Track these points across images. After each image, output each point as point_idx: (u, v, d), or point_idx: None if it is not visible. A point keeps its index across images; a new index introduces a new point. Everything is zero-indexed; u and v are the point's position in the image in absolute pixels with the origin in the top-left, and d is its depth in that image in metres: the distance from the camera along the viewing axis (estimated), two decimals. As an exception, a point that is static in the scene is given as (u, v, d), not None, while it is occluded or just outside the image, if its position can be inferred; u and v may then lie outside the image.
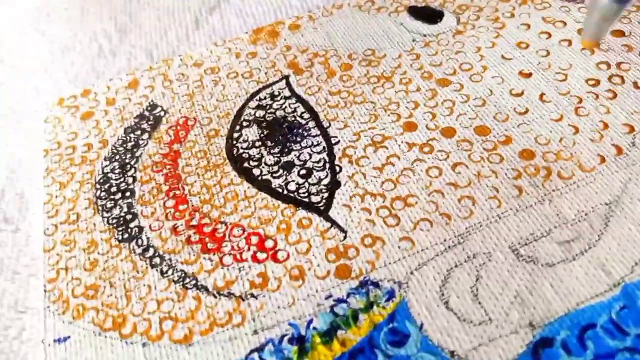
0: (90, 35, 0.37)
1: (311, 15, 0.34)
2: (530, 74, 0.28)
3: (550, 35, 0.30)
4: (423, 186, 0.24)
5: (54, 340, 0.22)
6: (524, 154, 0.25)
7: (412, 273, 0.22)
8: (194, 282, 0.23)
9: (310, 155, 0.26)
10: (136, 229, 0.25)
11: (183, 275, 0.23)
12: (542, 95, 0.27)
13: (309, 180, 0.25)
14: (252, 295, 0.22)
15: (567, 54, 0.28)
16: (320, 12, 0.34)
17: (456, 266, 0.22)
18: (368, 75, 0.29)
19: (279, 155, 0.27)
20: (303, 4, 0.36)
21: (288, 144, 0.27)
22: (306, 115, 0.28)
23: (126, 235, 0.25)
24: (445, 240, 0.22)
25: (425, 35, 0.31)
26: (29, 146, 0.31)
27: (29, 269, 0.26)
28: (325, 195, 0.25)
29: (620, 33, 0.29)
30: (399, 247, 0.22)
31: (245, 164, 0.27)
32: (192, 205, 0.25)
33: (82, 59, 0.35)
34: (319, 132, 0.27)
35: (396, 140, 0.26)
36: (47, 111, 0.32)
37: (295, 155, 0.26)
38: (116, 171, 0.27)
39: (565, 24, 0.30)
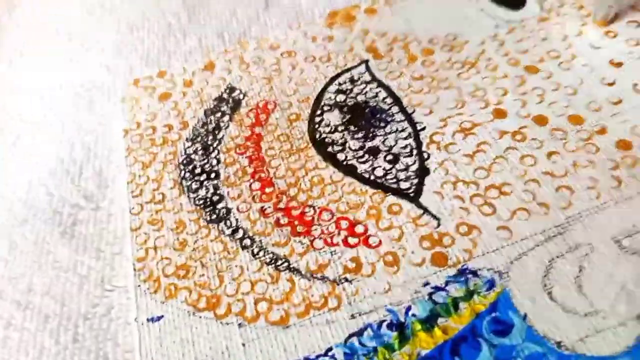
0: (158, 13, 0.37)
1: (387, -1, 0.33)
2: (621, 64, 0.27)
3: (639, 24, 0.29)
4: (518, 175, 0.24)
5: (148, 320, 0.22)
6: (620, 145, 0.24)
7: (512, 263, 0.21)
8: (286, 264, 0.23)
9: (396, 141, 0.26)
10: (224, 210, 0.25)
11: (275, 257, 0.23)
12: (635, 85, 0.26)
13: (397, 166, 0.25)
14: (347, 280, 0.22)
15: (659, 43, 0.28)
16: (396, -4, 0.33)
17: (558, 257, 0.21)
18: (451, 60, 0.29)
19: (363, 140, 0.26)
20: (375, -13, 0.35)
21: (372, 129, 0.27)
22: (389, 100, 0.28)
23: (214, 216, 0.25)
24: (544, 230, 0.22)
25: (508, 21, 0.30)
26: (105, 125, 0.31)
27: (112, 247, 0.26)
28: (415, 181, 0.24)
29: None
30: (496, 237, 0.22)
31: (329, 149, 0.26)
32: (279, 188, 0.25)
33: (153, 37, 0.35)
34: (403, 118, 0.27)
35: (486, 127, 0.26)
36: (123, 91, 0.32)
37: (380, 140, 0.26)
38: (199, 153, 0.27)
39: (654, 12, 0.29)
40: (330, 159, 0.26)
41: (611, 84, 0.26)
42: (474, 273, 0.21)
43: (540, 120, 0.25)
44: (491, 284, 0.21)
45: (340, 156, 0.26)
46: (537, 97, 0.26)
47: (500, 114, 0.26)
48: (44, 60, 0.37)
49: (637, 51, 0.27)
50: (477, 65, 0.28)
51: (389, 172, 0.25)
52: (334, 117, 0.28)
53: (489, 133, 0.25)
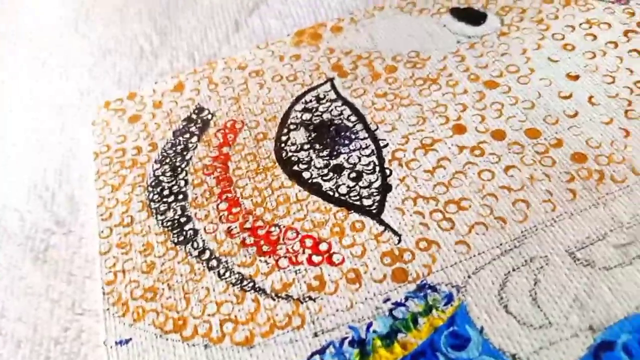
0: (131, 37, 0.38)
1: (353, 17, 0.34)
2: (577, 77, 0.28)
3: (595, 37, 0.29)
4: (476, 189, 0.24)
5: (116, 343, 0.23)
6: (575, 157, 0.25)
7: (469, 277, 0.22)
8: (251, 284, 0.23)
9: (360, 158, 0.27)
10: (191, 231, 0.25)
11: (241, 277, 0.23)
12: (590, 97, 0.27)
13: (360, 183, 0.26)
14: (310, 298, 0.22)
15: (613, 56, 0.28)
16: (361, 14, 0.34)
17: (514, 270, 0.22)
18: (414, 77, 0.29)
19: (327, 158, 0.27)
20: (342, 5, 0.36)
21: (336, 147, 0.27)
22: (353, 118, 0.28)
23: (182, 238, 0.25)
24: (501, 244, 0.23)
25: (469, 37, 0.31)
26: (77, 149, 0.31)
27: (83, 271, 0.26)
28: (377, 198, 0.25)
29: (666, 33, 0.29)
30: (455, 251, 0.23)
31: (295, 167, 0.27)
32: (245, 208, 0.26)
33: (125, 61, 0.36)
34: (366, 135, 0.27)
35: (446, 143, 0.26)
36: (94, 114, 0.32)
37: (344, 158, 0.27)
38: (167, 174, 0.28)
39: (610, 25, 0.30)
40: (296, 177, 0.27)
41: (568, 97, 0.27)
42: (433, 288, 0.22)
43: (498, 135, 0.26)
44: (449, 299, 0.21)
45: (306, 174, 0.27)
46: (495, 112, 0.27)
47: (459, 129, 0.27)
48: (19, 85, 0.37)
49: (593, 64, 0.28)
50: (439, 81, 0.29)
51: (352, 189, 0.26)
52: (299, 136, 0.28)
53: (449, 149, 0.26)
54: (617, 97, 0.27)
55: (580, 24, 0.30)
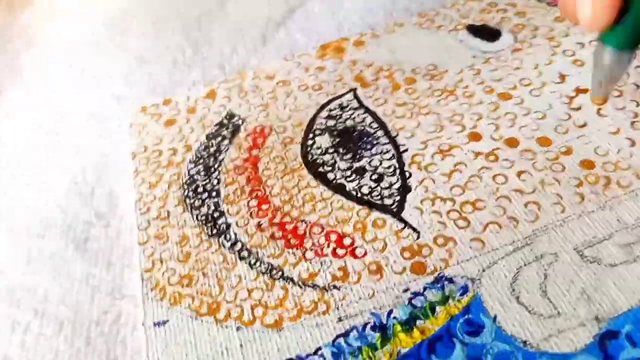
0: (165, 48, 0.40)
1: (374, 32, 0.36)
2: (587, 90, 0.30)
3: (604, 54, 0.31)
4: (490, 192, 0.26)
5: (154, 324, 0.25)
6: (584, 164, 0.26)
7: (483, 271, 0.24)
8: (280, 273, 0.25)
9: (381, 162, 0.28)
10: (224, 225, 0.27)
11: (270, 267, 0.25)
12: (599, 109, 0.29)
13: (381, 184, 0.28)
14: (335, 287, 0.24)
15: (621, 72, 0.30)
16: (382, 29, 0.36)
17: (525, 265, 0.23)
18: (432, 88, 0.32)
19: (351, 161, 0.29)
20: (364, 21, 0.38)
21: (359, 151, 0.29)
22: (374, 125, 0.30)
23: (215, 231, 0.27)
24: (513, 241, 0.24)
25: (485, 52, 0.33)
26: (115, 149, 0.34)
27: (122, 260, 0.28)
28: (397, 198, 0.27)
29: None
30: (470, 247, 0.24)
31: (320, 169, 0.29)
32: (274, 205, 0.28)
33: (159, 70, 0.38)
34: (387, 141, 0.29)
35: (462, 149, 0.28)
36: (132, 117, 0.34)
37: (366, 161, 0.29)
38: (201, 173, 0.30)
39: (618, 43, 0.32)
40: (321, 178, 0.29)
41: (577, 109, 0.29)
42: (450, 280, 0.24)
43: (512, 143, 0.28)
44: (465, 290, 0.23)
45: (330, 176, 0.29)
46: (509, 122, 0.29)
47: (475, 137, 0.28)
48: (60, 92, 0.39)
49: (601, 79, 0.30)
50: (455, 92, 0.31)
51: (374, 189, 0.27)
52: (324, 141, 0.30)
53: (465, 154, 0.28)
54: (624, 110, 0.28)
55: (590, 42, 0.32)
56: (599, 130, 0.28)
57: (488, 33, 0.34)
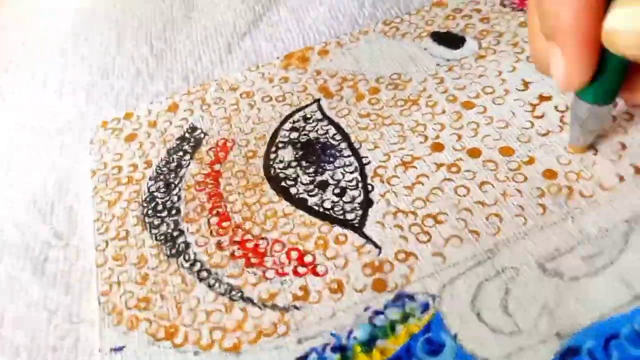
0: (128, 59, 0.39)
1: (339, 41, 0.36)
2: (550, 97, 0.29)
3: (568, 60, 0.31)
4: (452, 204, 0.26)
5: (111, 350, 0.24)
6: (546, 174, 0.26)
7: (444, 287, 0.23)
8: (239, 294, 0.24)
9: (344, 175, 0.28)
10: (183, 244, 0.27)
11: (230, 288, 0.25)
12: (562, 117, 0.28)
13: (343, 198, 0.27)
14: (295, 307, 0.24)
15: (584, 78, 0.30)
16: (347, 38, 0.36)
17: (486, 280, 0.23)
18: (395, 98, 0.31)
19: (313, 175, 0.28)
20: (330, 29, 0.37)
21: (322, 164, 0.29)
22: (338, 137, 0.30)
23: (174, 251, 0.27)
24: (475, 255, 0.24)
25: (448, 60, 0.33)
26: (75, 166, 0.33)
27: (80, 282, 0.28)
28: (359, 212, 0.26)
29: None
30: (431, 263, 0.24)
31: (283, 184, 0.28)
32: (235, 222, 0.27)
33: (122, 83, 0.37)
34: (350, 153, 0.29)
35: (425, 161, 0.28)
36: (92, 133, 0.34)
37: (329, 174, 0.28)
38: (161, 190, 0.29)
39: (582, 48, 0.32)
40: (283, 193, 0.28)
41: (540, 117, 0.29)
42: (410, 297, 0.23)
43: (474, 153, 0.28)
44: (425, 307, 0.23)
45: (293, 190, 0.28)
46: (471, 131, 0.28)
47: (437, 147, 0.28)
48: (21, 105, 0.39)
49: (565, 85, 0.30)
50: (419, 102, 0.31)
51: (336, 204, 0.27)
52: (287, 154, 0.30)
53: (427, 166, 0.27)
54: (586, 117, 0.28)
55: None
56: (561, 138, 0.27)
57: (452, 40, 0.33)
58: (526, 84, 0.30)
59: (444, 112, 0.30)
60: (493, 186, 0.26)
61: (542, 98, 0.29)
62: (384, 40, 0.35)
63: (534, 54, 0.25)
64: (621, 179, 0.25)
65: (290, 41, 0.38)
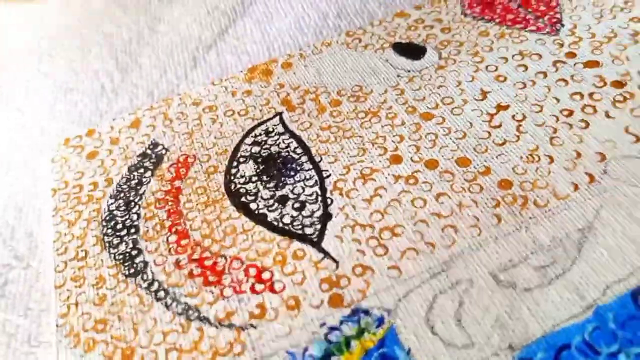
0: (92, 74, 0.39)
1: (302, 53, 0.36)
2: (508, 106, 0.30)
3: (526, 68, 0.31)
4: (409, 216, 0.26)
5: (67, 373, 0.24)
6: (502, 184, 0.26)
7: (399, 300, 0.23)
8: (197, 314, 0.24)
9: (304, 189, 0.28)
10: (141, 263, 0.27)
11: (187, 307, 0.25)
12: (519, 126, 0.28)
13: (303, 212, 0.27)
14: (252, 326, 0.24)
15: (542, 86, 0.30)
16: (310, 49, 0.36)
17: (441, 293, 0.23)
18: (356, 110, 0.31)
19: (274, 189, 0.28)
20: (295, 41, 0.38)
21: (282, 178, 0.29)
22: (299, 150, 0.30)
23: (132, 270, 0.26)
24: (430, 268, 0.24)
25: (409, 71, 0.33)
26: (36, 185, 0.33)
27: (39, 304, 0.27)
28: (318, 227, 0.26)
29: (594, 64, 0.31)
30: (387, 276, 0.24)
31: (243, 199, 0.28)
32: (194, 240, 0.27)
33: (86, 99, 0.37)
34: (311, 166, 0.29)
35: (383, 173, 0.28)
36: (54, 151, 0.33)
37: (289, 189, 0.28)
38: (121, 208, 0.29)
39: (540, 56, 0.32)
40: (244, 208, 0.28)
41: (497, 127, 0.29)
42: (366, 312, 0.23)
43: (431, 164, 0.28)
44: (380, 321, 0.23)
45: (253, 206, 0.28)
46: (429, 142, 0.29)
47: (396, 159, 0.28)
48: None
49: (522, 94, 0.30)
50: (379, 114, 0.31)
51: (295, 219, 0.27)
52: (248, 169, 0.30)
53: (386, 178, 0.28)
54: (543, 126, 0.28)
55: (513, 56, 0.32)
56: (517, 148, 0.28)
57: (413, 51, 0.34)
58: (484, 94, 0.30)
59: (403, 123, 0.30)
60: (449, 197, 0.26)
61: (500, 107, 0.30)
62: (347, 52, 0.35)
63: None
64: (576, 187, 0.26)
65: (255, 53, 0.38)
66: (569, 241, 0.24)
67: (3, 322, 0.27)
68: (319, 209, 0.27)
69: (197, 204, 0.29)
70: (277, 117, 0.32)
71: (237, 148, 0.31)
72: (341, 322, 0.23)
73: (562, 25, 0.33)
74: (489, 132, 0.28)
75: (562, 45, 0.32)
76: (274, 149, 0.30)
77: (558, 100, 0.29)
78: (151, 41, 0.41)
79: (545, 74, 0.31)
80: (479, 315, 0.22)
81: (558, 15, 0.34)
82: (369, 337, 0.22)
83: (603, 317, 0.21)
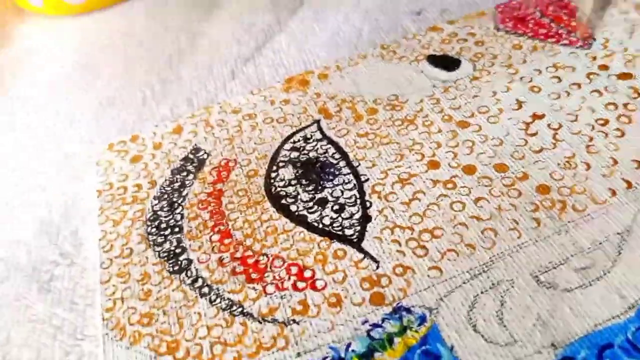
0: (135, 87, 0.40)
1: (338, 65, 0.37)
2: (543, 115, 0.30)
3: (560, 80, 0.32)
4: (448, 219, 0.26)
5: (114, 364, 0.24)
6: (540, 189, 0.27)
7: (441, 299, 0.24)
8: (240, 309, 0.25)
9: (343, 192, 0.29)
10: (185, 261, 0.27)
11: (230, 303, 0.25)
12: (555, 134, 0.29)
13: (342, 215, 0.28)
14: (294, 321, 0.24)
15: (577, 97, 0.31)
16: (346, 62, 0.37)
17: (482, 293, 0.23)
18: (393, 118, 0.32)
19: (313, 192, 0.29)
20: (330, 54, 0.39)
21: (321, 182, 0.30)
22: (337, 156, 0.31)
23: (176, 268, 0.27)
24: (470, 269, 0.24)
25: (444, 82, 0.33)
26: (82, 187, 0.34)
27: (84, 299, 0.28)
28: (358, 228, 0.27)
29: (627, 76, 0.31)
30: (428, 276, 0.24)
31: (283, 201, 0.29)
32: (236, 239, 0.28)
33: (128, 108, 0.39)
34: (349, 171, 0.30)
35: (421, 178, 0.28)
36: (99, 155, 0.35)
37: (328, 192, 0.29)
38: (165, 209, 0.30)
39: (574, 69, 0.33)
40: (283, 210, 0.29)
41: (534, 134, 0.29)
42: (408, 310, 0.24)
43: (469, 170, 0.28)
44: (422, 320, 0.23)
45: (293, 207, 0.29)
46: (467, 149, 0.29)
47: (434, 165, 0.29)
48: (32, 133, 0.40)
49: (557, 104, 0.31)
50: (415, 122, 0.31)
51: (335, 220, 0.28)
52: (287, 173, 0.30)
53: (424, 183, 0.28)
54: (579, 134, 0.29)
55: (547, 68, 0.33)
56: (554, 155, 0.28)
57: (448, 63, 0.34)
58: (520, 104, 0.31)
59: (440, 131, 0.31)
60: (488, 201, 0.27)
61: (536, 116, 0.30)
62: (382, 64, 0.36)
63: None
64: (613, 193, 0.26)
65: (292, 66, 0.39)
66: (608, 244, 0.24)
67: (50, 316, 0.28)
68: (358, 212, 0.28)
69: (238, 205, 0.29)
70: (315, 125, 0.33)
71: (276, 153, 0.32)
72: (383, 320, 0.23)
73: (594, 40, 0.34)
74: (525, 140, 0.29)
75: (595, 58, 0.33)
76: (312, 154, 0.31)
77: (593, 110, 0.30)
78: (191, 56, 0.43)
79: (579, 85, 0.31)
80: (521, 314, 0.23)
81: (590, 30, 0.35)
82: (412, 335, 0.23)
83: (646, 318, 0.22)
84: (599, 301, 0.22)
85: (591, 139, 0.28)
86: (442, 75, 0.34)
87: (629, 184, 0.26)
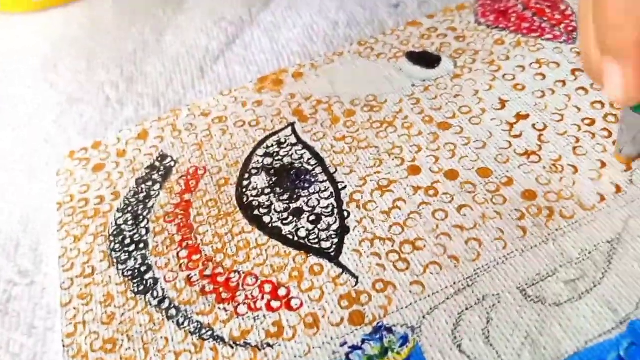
0: (98, 85, 0.38)
1: (313, 63, 0.35)
2: (527, 115, 0.29)
3: (545, 77, 0.31)
4: (430, 229, 0.25)
5: (74, 396, 0.23)
6: (526, 195, 0.25)
7: (424, 317, 0.22)
8: (210, 332, 0.23)
9: (319, 201, 0.27)
10: (151, 280, 0.25)
11: (199, 326, 0.23)
12: (540, 136, 0.28)
13: (319, 226, 0.26)
14: (269, 345, 0.22)
15: (562, 95, 0.29)
16: (322, 59, 0.35)
17: (467, 309, 0.22)
18: (371, 120, 0.30)
19: (288, 202, 0.27)
20: (304, 50, 0.37)
21: (296, 190, 0.28)
22: (313, 162, 0.29)
23: (142, 287, 0.25)
24: (454, 283, 0.23)
25: (424, 80, 0.32)
26: (42, 198, 0.32)
27: (45, 322, 0.26)
28: (335, 240, 0.25)
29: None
30: (410, 292, 0.23)
31: (256, 212, 0.27)
32: (205, 255, 0.26)
33: (91, 110, 0.36)
34: (326, 178, 0.28)
35: (401, 184, 0.27)
36: (59, 164, 0.32)
37: (303, 201, 0.27)
38: (129, 223, 0.28)
39: (558, 65, 0.31)
40: (256, 222, 0.27)
41: (518, 136, 0.28)
42: (389, 330, 0.22)
43: (452, 175, 0.27)
44: (405, 340, 0.22)
45: (266, 219, 0.27)
46: (448, 153, 0.28)
47: (414, 170, 0.27)
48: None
49: (542, 102, 0.29)
50: (395, 123, 0.30)
51: (311, 232, 0.26)
52: (260, 181, 0.29)
53: (404, 190, 0.27)
54: (565, 135, 0.28)
55: (531, 64, 0.32)
56: (540, 157, 0.27)
57: (427, 60, 0.33)
58: (503, 103, 0.30)
59: (420, 133, 0.29)
60: (472, 209, 0.25)
61: (520, 116, 0.29)
62: (359, 61, 0.34)
63: (586, 62, 0.23)
64: (602, 198, 0.25)
65: (264, 63, 0.37)
66: (598, 253, 0.23)
67: (7, 342, 0.26)
68: (335, 222, 0.26)
69: (208, 217, 0.28)
70: (289, 128, 0.31)
71: (248, 159, 0.30)
72: (363, 341, 0.22)
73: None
74: (509, 142, 0.28)
75: (579, 53, 0.32)
76: (286, 160, 0.29)
77: (579, 109, 0.29)
78: (157, 51, 0.40)
79: (564, 82, 0.30)
80: (508, 332, 0.21)
81: (574, 24, 0.34)
82: (393, 357, 0.21)
83: (638, 332, 0.20)
84: (589, 316, 0.21)
85: (578, 140, 0.27)
86: (422, 74, 0.32)
87: (618, 188, 0.25)
